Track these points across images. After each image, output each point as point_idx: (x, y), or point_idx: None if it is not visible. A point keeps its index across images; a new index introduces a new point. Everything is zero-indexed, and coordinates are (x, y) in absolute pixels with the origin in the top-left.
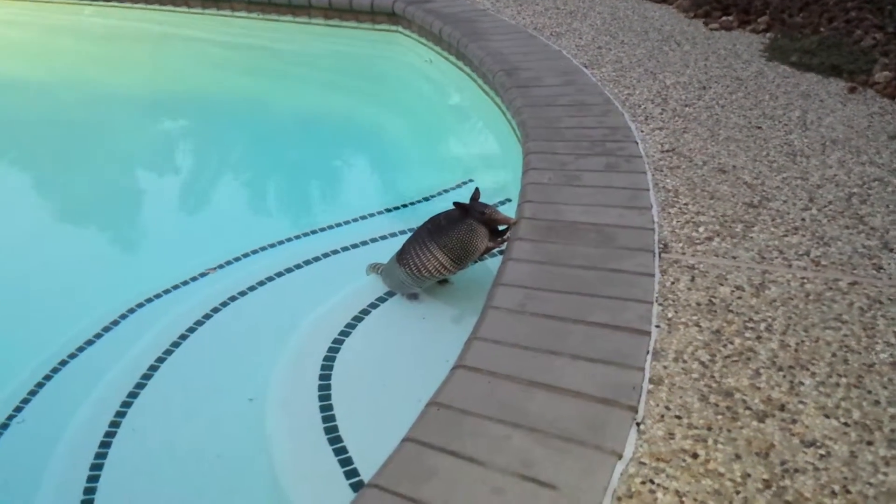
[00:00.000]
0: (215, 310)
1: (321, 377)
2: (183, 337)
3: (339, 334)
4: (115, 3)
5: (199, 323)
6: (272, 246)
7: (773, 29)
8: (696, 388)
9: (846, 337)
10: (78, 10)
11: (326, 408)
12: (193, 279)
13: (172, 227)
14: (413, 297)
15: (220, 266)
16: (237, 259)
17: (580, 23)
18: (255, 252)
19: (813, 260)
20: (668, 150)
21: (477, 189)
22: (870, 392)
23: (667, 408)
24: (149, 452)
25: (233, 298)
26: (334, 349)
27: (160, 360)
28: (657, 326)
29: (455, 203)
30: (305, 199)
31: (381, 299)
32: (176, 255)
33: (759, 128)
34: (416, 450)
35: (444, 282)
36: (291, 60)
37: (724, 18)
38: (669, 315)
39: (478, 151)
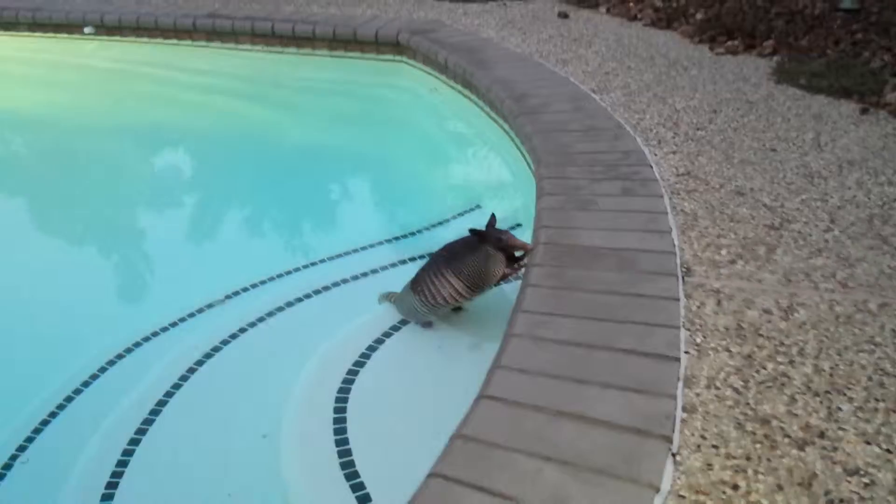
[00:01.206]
0: (224, 342)
1: (336, 410)
2: (191, 370)
3: (353, 365)
4: (119, 38)
5: (207, 356)
6: (280, 276)
7: (779, 52)
8: (732, 415)
9: (881, 360)
10: (81, 47)
11: (342, 442)
12: (200, 311)
13: (178, 259)
14: (428, 325)
15: (228, 297)
16: (244, 290)
17: (585, 49)
18: (262, 283)
19: (840, 282)
20: (683, 174)
21: (493, 215)
22: None
23: (703, 437)
24: (159, 492)
25: (242, 330)
26: (349, 381)
27: (168, 394)
28: (686, 352)
29: (471, 229)
30: (314, 228)
31: (395, 328)
32: (182, 288)
33: (774, 150)
34: (443, 486)
35: (458, 309)
36: (296, 92)
37: (729, 43)
38: (698, 340)
39: (486, 178)
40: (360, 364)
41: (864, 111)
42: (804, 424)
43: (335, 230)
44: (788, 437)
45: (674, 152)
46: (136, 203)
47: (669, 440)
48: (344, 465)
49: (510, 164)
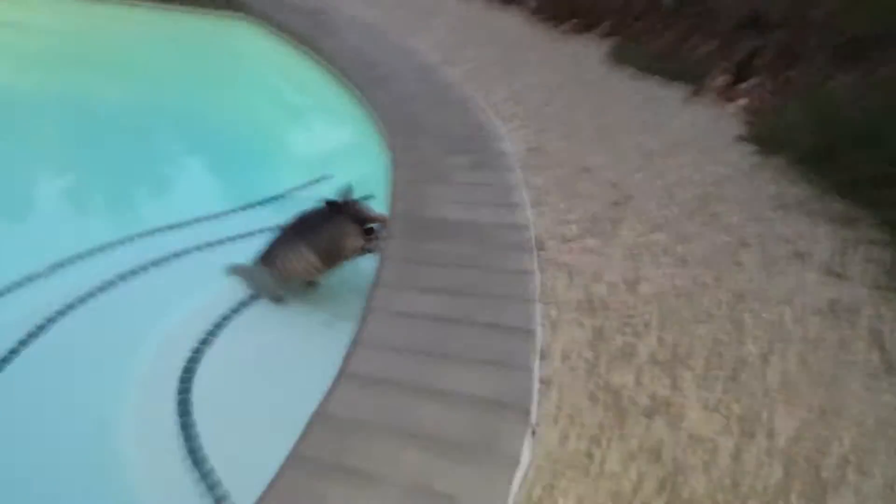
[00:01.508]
0: (51, 319)
1: (179, 391)
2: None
3: (199, 343)
4: None
5: (23, 343)
6: (112, 246)
7: (615, 35)
8: (585, 388)
9: (717, 331)
10: None
11: (187, 424)
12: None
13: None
14: (279, 300)
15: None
16: (70, 261)
17: (429, 22)
18: (91, 253)
19: (678, 257)
20: (532, 149)
21: (349, 186)
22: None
23: (559, 409)
24: None
25: (71, 307)
26: (193, 360)
27: None
28: (542, 325)
29: (326, 200)
30: (151, 195)
31: (244, 303)
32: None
33: (613, 129)
34: (303, 469)
35: (311, 284)
36: (118, 48)
37: (567, 24)
38: (552, 314)
39: (334, 147)
40: (206, 342)
41: (693, 94)
42: (651, 394)
43: (176, 197)
44: (638, 406)
45: (523, 127)
46: None
47: (528, 413)
48: (191, 450)
49: (359, 133)
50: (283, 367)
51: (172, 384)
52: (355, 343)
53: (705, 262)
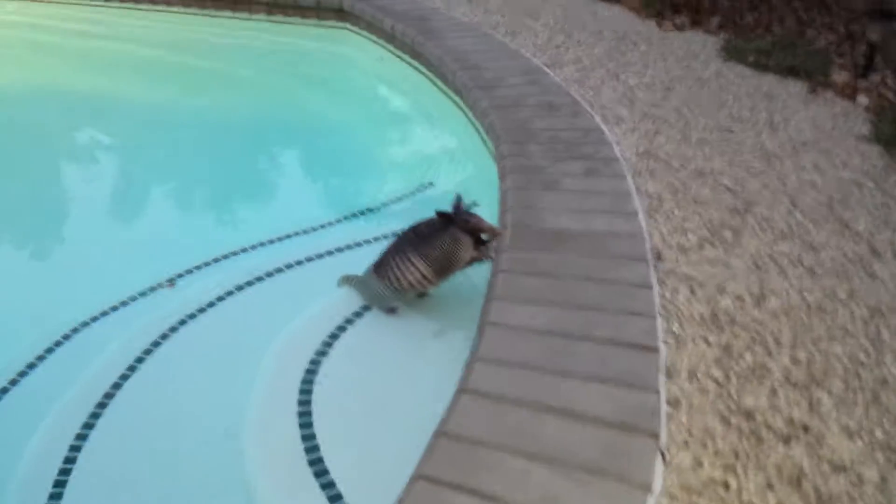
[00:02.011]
0: (173, 329)
1: (300, 403)
2: (139, 361)
3: (316, 354)
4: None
5: (155, 344)
6: (225, 258)
7: (725, 30)
8: (716, 409)
9: (854, 349)
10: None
11: (309, 437)
12: (143, 294)
13: (118, 238)
14: (392, 311)
15: (171, 280)
16: (188, 272)
17: (533, 21)
18: (207, 265)
19: (807, 268)
20: (643, 153)
21: (459, 196)
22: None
23: (689, 432)
24: (108, 494)
25: (191, 316)
26: (312, 371)
27: (116, 385)
28: (665, 342)
29: (437, 211)
30: (258, 207)
31: (358, 314)
32: (123, 269)
33: (731, 130)
34: (429, 489)
35: (422, 294)
36: (233, 59)
37: (676, 19)
38: (675, 329)
39: (437, 154)
40: (322, 353)
41: (811, 91)
42: (787, 418)
43: (282, 209)
44: (773, 431)
45: (632, 130)
46: (71, 181)
47: (657, 436)
48: (312, 463)
49: (463, 141)
50: (400, 378)
51: (293, 393)
52: (474, 358)
53: (836, 274)
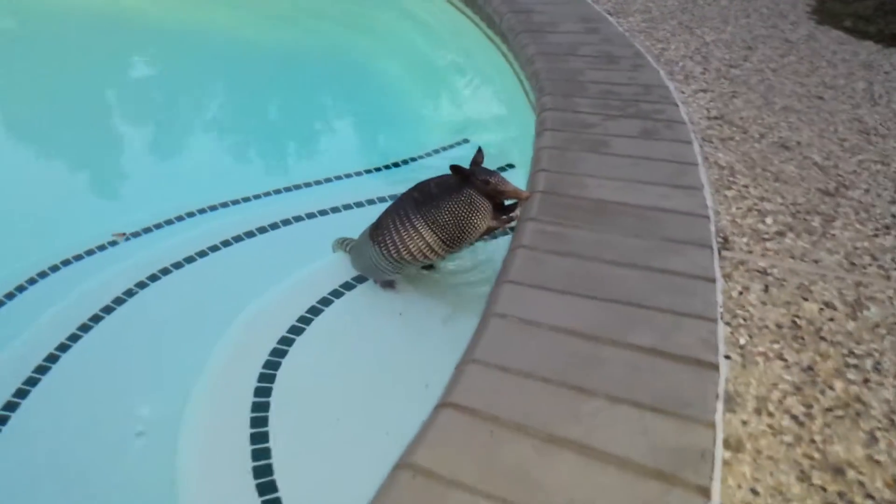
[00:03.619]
0: (141, 285)
1: (257, 392)
2: (87, 325)
3: (289, 331)
4: None
5: (107, 310)
6: (213, 209)
7: None
8: (792, 458)
9: None
10: None
11: (260, 437)
12: (101, 248)
13: (86, 181)
14: (388, 285)
15: (138, 233)
16: (168, 223)
17: None
18: (191, 215)
19: None
20: (716, 118)
21: (480, 150)
22: None
23: (754, 492)
24: (31, 467)
25: (165, 271)
26: (280, 352)
27: (53, 356)
28: (727, 357)
29: (452, 166)
30: (263, 152)
31: (348, 286)
32: (87, 217)
33: (821, 98)
34: None
35: (429, 267)
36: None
37: None
38: (742, 341)
39: (476, 106)
40: (297, 330)
41: None
42: (892, 479)
43: (292, 156)
44: (872, 498)
45: (703, 91)
46: (45, 112)
47: (707, 494)
48: (259, 472)
49: (505, 92)
50: (387, 371)
51: (251, 378)
52: (467, 359)
53: None
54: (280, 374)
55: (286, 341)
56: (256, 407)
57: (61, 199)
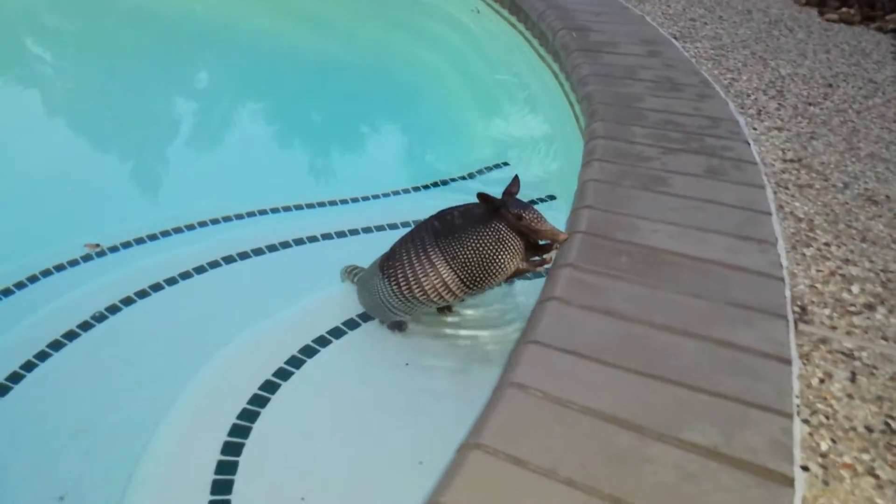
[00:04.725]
0: (127, 301)
1: (226, 449)
2: (60, 342)
3: (275, 374)
4: None
5: (85, 326)
6: (216, 222)
7: None
8: None
9: None
10: None
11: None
12: (85, 259)
13: (83, 187)
14: (397, 327)
15: (129, 243)
16: (165, 234)
17: None
18: (191, 228)
19: None
20: (792, 160)
21: (516, 179)
22: None
23: None
24: None
25: (156, 287)
26: (260, 400)
27: (16, 375)
28: (804, 469)
29: (480, 195)
30: (280, 164)
31: (351, 324)
32: (75, 226)
33: None
34: None
35: (446, 309)
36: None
37: (843, 10)
38: (823, 447)
39: (520, 129)
40: (284, 375)
41: None
42: None
43: (303, 172)
44: None
45: (779, 129)
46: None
47: None
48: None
49: (554, 115)
50: (384, 432)
51: (221, 430)
52: (474, 443)
53: None
54: (257, 427)
55: (270, 387)
56: (222, 468)
57: (39, 207)
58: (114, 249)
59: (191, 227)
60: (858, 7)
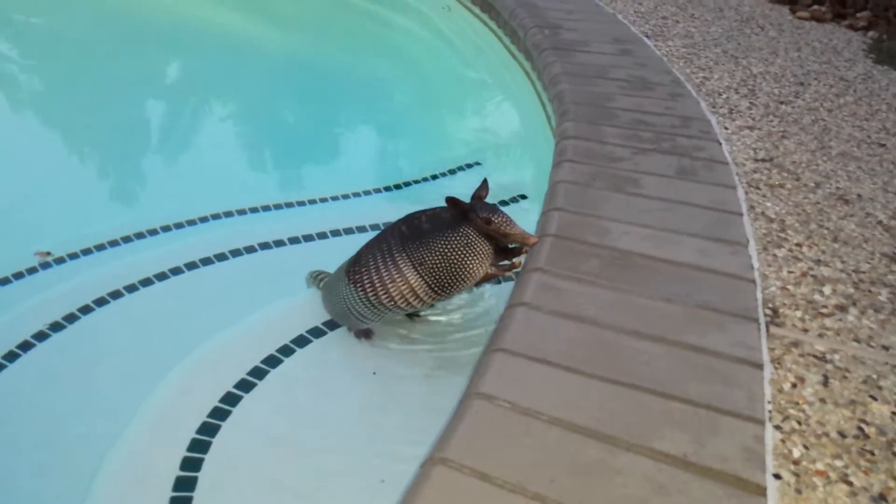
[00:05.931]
0: (86, 309)
1: (185, 465)
2: (14, 353)
3: (237, 385)
4: None
5: (40, 337)
6: (180, 226)
7: (875, 27)
8: None
9: None
10: None
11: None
12: (44, 266)
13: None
14: (364, 334)
15: (90, 250)
16: (126, 240)
17: None
18: (152, 233)
19: None
20: (764, 160)
21: (485, 182)
22: None
23: None
24: None
25: (116, 295)
26: (221, 413)
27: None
28: (777, 476)
29: (448, 199)
30: (245, 164)
31: (317, 332)
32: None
33: (883, 145)
34: None
35: (414, 316)
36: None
37: (814, 8)
38: (795, 454)
39: (491, 129)
40: (246, 386)
41: None
42: None
43: (269, 173)
44: None
45: (750, 128)
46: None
47: None
48: None
49: (525, 115)
50: (341, 454)
51: (180, 445)
52: (438, 458)
53: None
54: (217, 441)
55: (231, 399)
56: (181, 484)
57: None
58: (73, 256)
59: (153, 232)
60: (830, 5)
